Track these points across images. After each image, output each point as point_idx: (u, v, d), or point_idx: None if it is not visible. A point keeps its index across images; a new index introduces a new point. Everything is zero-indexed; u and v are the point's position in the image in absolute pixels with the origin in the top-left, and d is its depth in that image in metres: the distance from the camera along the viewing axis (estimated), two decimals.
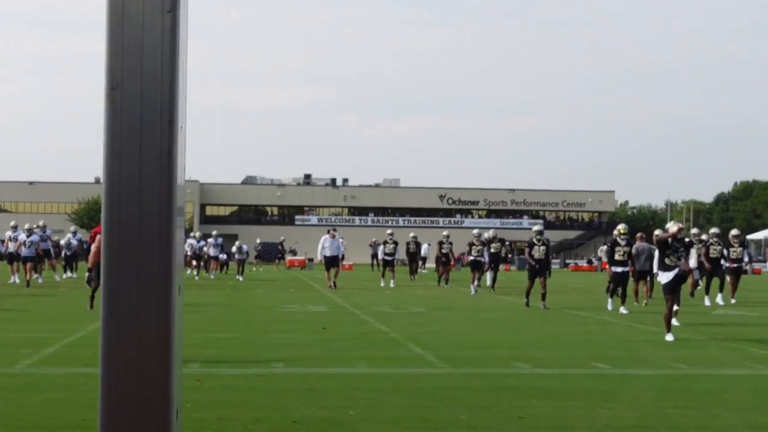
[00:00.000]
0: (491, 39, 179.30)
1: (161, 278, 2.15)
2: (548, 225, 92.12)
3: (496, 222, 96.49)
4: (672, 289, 15.69)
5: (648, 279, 24.80)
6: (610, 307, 22.37)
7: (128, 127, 2.16)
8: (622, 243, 22.65)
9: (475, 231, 31.46)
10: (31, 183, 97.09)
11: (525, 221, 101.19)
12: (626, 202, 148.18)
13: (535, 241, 23.07)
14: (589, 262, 76.88)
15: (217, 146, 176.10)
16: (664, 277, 15.77)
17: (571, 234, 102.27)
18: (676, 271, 15.67)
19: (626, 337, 16.29)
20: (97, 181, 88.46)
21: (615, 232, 23.34)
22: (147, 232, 2.14)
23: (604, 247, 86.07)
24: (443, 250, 36.05)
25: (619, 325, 18.64)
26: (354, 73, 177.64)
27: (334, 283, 31.13)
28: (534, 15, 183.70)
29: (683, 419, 8.64)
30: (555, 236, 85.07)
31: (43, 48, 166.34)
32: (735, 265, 26.25)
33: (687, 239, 17.13)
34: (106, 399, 2.17)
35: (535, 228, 23.81)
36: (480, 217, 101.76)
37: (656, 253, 18.25)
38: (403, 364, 12.16)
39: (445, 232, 37.78)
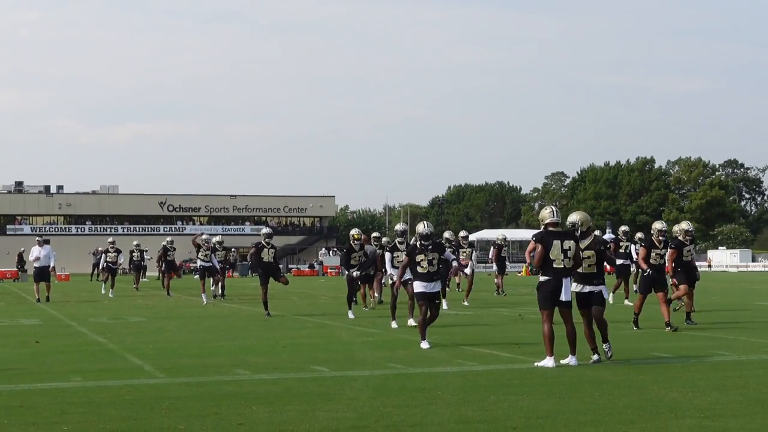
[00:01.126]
0: (203, 43, 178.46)
1: None
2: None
3: (219, 228, 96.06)
4: (424, 297, 15.10)
5: (375, 281, 25.14)
6: (351, 315, 21.55)
7: None
8: (357, 248, 22.69)
9: (204, 236, 30.97)
10: None
11: (247, 227, 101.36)
12: (346, 207, 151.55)
13: (264, 244, 22.97)
14: (311, 266, 77.89)
15: None
16: (418, 286, 15.17)
17: (294, 239, 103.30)
18: (433, 281, 15.09)
19: (346, 340, 16.56)
20: None
21: (350, 237, 23.39)
22: None
23: (324, 251, 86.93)
24: (168, 257, 35.26)
25: (339, 329, 18.91)
26: (69, 76, 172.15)
27: (48, 295, 29.87)
28: (200, 13, 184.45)
29: (399, 417, 8.88)
30: (278, 241, 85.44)
31: None
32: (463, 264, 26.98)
33: (438, 240, 16.54)
34: None
35: (264, 231, 23.67)
36: (201, 223, 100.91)
37: (387, 257, 18.35)
38: (119, 375, 11.83)
39: (169, 238, 37.02)
